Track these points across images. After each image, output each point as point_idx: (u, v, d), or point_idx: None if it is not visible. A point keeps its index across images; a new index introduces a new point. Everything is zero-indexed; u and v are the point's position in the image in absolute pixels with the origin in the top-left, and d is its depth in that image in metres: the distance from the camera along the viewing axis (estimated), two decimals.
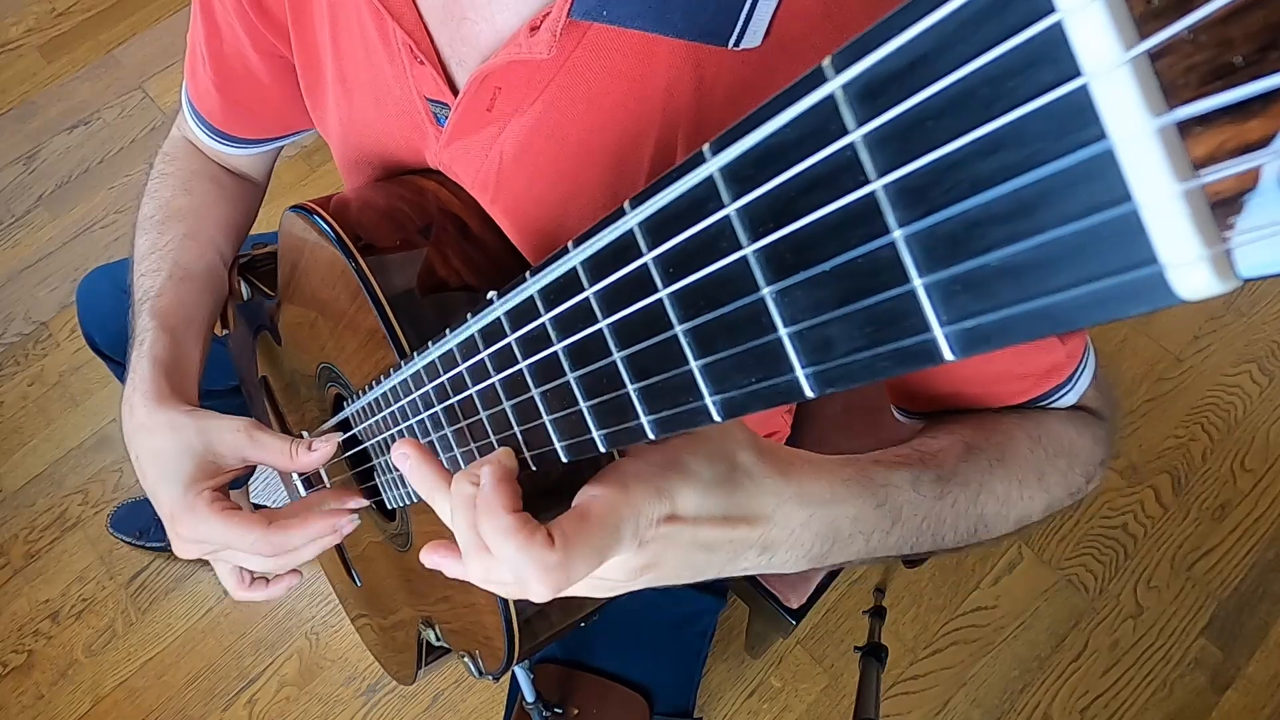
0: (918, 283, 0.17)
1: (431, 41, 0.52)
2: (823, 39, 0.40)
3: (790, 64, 0.41)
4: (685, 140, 0.45)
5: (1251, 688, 1.29)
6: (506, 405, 0.36)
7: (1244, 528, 1.41)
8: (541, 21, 0.44)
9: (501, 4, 0.48)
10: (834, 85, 0.17)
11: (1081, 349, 0.54)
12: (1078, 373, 0.53)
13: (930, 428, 0.53)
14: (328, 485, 0.77)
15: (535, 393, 0.33)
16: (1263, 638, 1.33)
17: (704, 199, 0.21)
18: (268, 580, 0.64)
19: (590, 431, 0.31)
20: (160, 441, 0.60)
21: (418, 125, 0.57)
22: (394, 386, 0.50)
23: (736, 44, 0.41)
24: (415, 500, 0.57)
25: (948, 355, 0.17)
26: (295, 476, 0.67)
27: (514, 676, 0.93)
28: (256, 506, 1.44)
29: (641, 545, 0.34)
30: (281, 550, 0.56)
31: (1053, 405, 0.54)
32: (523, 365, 0.33)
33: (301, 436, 0.79)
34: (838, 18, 0.40)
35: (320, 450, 0.59)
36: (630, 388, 0.27)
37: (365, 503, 0.62)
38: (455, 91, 0.53)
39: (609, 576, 0.36)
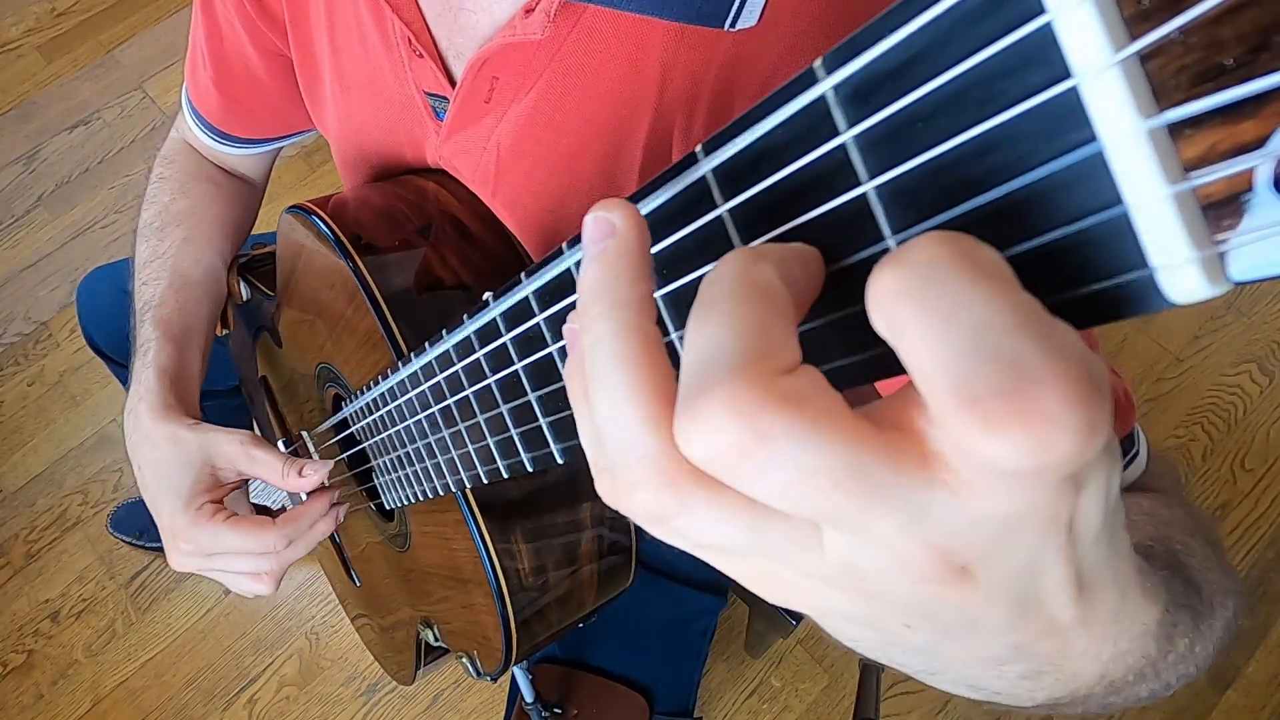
0: None
1: (430, 34, 0.52)
2: (818, 17, 0.40)
3: (785, 43, 0.40)
4: (680, 124, 0.45)
5: (1251, 688, 1.29)
6: (504, 408, 0.36)
7: (1244, 528, 1.40)
8: (536, 4, 0.44)
9: None
10: (825, 86, 0.17)
11: (1132, 396, 0.47)
12: (1137, 429, 0.47)
13: None
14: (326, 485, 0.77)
15: (531, 395, 0.33)
16: (1263, 638, 1.33)
17: (697, 200, 0.21)
18: None
19: None
20: (163, 454, 0.61)
21: (417, 120, 0.57)
22: (391, 387, 0.50)
23: (732, 25, 0.40)
24: (414, 500, 0.57)
25: None
26: None
27: (514, 677, 0.93)
28: (256, 506, 1.45)
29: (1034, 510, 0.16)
30: (292, 538, 0.59)
31: (1129, 470, 0.46)
32: (518, 366, 0.33)
33: (300, 436, 0.80)
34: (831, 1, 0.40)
35: (310, 477, 0.60)
36: None
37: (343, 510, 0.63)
38: (454, 84, 0.53)
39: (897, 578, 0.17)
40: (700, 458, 0.16)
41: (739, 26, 0.40)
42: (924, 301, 0.14)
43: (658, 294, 0.24)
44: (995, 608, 0.18)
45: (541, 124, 0.50)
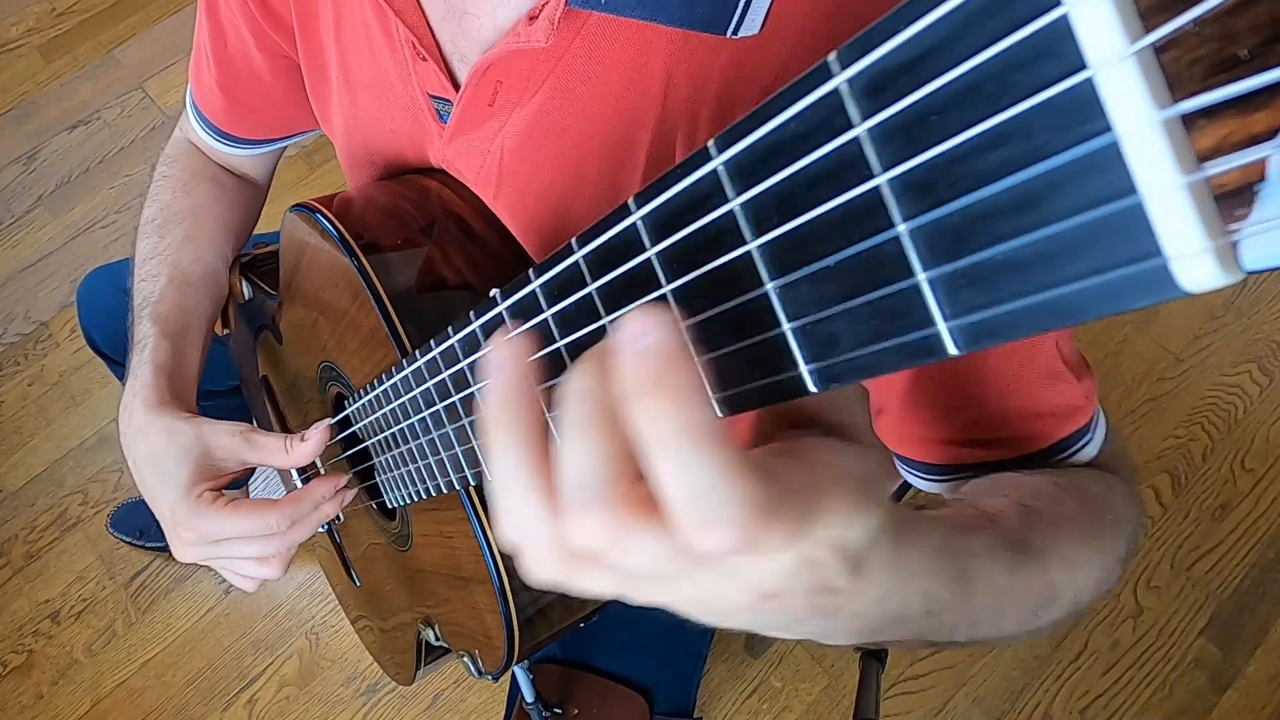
0: (921, 277, 0.17)
1: (434, 37, 0.53)
2: (821, 27, 0.40)
3: (788, 52, 0.41)
4: (684, 130, 0.45)
5: (1251, 688, 1.29)
6: None
7: (1244, 528, 1.41)
8: (540, 10, 0.44)
9: None
10: (840, 80, 0.17)
11: (1094, 391, 0.50)
12: (1095, 420, 0.50)
13: (964, 491, 0.48)
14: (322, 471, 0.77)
15: (538, 389, 0.33)
16: (1263, 638, 1.33)
17: (708, 194, 0.21)
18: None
19: None
20: (157, 446, 0.61)
21: (421, 122, 0.57)
22: (395, 384, 0.50)
23: (735, 32, 0.40)
24: (418, 498, 0.57)
25: (951, 350, 0.17)
26: (294, 473, 0.67)
27: (514, 676, 0.93)
28: None
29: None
30: (295, 519, 0.59)
31: (1076, 457, 0.49)
32: None
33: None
34: (836, 5, 0.40)
35: (313, 439, 0.60)
36: None
37: (352, 491, 0.63)
38: (458, 88, 0.53)
39: (726, 590, 0.26)
40: (581, 551, 0.23)
41: (741, 34, 0.41)
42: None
43: (669, 287, 0.24)
44: (799, 603, 0.27)
45: (545, 129, 0.50)
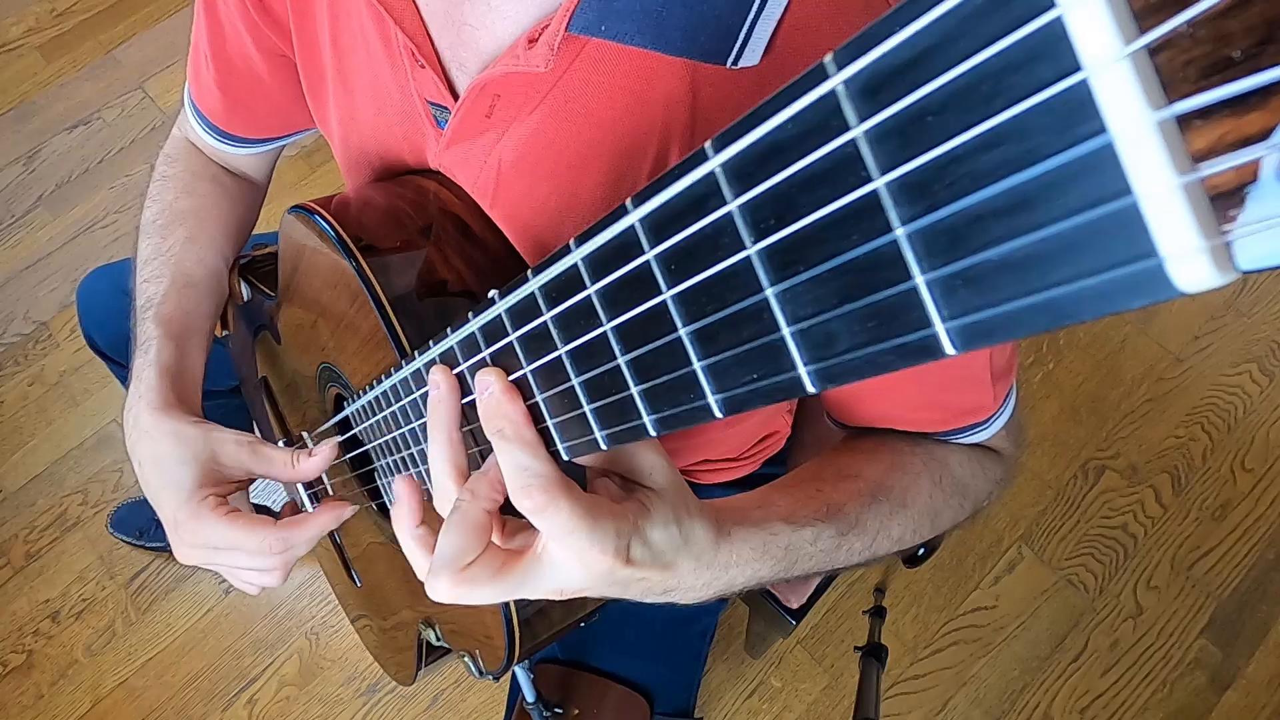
0: (919, 279, 0.17)
1: (433, 45, 0.52)
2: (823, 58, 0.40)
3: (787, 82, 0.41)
4: (680, 156, 0.46)
5: (1251, 688, 1.30)
6: None
7: (1244, 528, 1.41)
8: (540, 34, 0.44)
9: (501, 13, 0.48)
10: (835, 81, 0.17)
11: (1005, 394, 0.56)
12: (994, 417, 0.56)
13: (848, 452, 0.57)
14: (328, 486, 0.77)
15: (540, 398, 0.33)
16: (1263, 638, 1.33)
17: (705, 196, 0.21)
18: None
19: (593, 432, 0.31)
20: (164, 449, 0.61)
21: (418, 127, 0.57)
22: (394, 386, 0.50)
23: (735, 62, 0.41)
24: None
25: (949, 350, 0.17)
26: (299, 486, 0.67)
27: (514, 676, 0.93)
28: (257, 507, 1.45)
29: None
30: (291, 545, 0.59)
31: (962, 440, 0.57)
32: (527, 371, 0.33)
33: (301, 437, 0.80)
34: (837, 37, 0.40)
35: (320, 454, 0.60)
36: (634, 388, 0.27)
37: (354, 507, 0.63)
38: (456, 95, 0.53)
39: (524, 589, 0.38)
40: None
41: (741, 64, 0.41)
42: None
43: (671, 293, 0.24)
44: (602, 590, 0.37)
45: (544, 146, 0.50)
